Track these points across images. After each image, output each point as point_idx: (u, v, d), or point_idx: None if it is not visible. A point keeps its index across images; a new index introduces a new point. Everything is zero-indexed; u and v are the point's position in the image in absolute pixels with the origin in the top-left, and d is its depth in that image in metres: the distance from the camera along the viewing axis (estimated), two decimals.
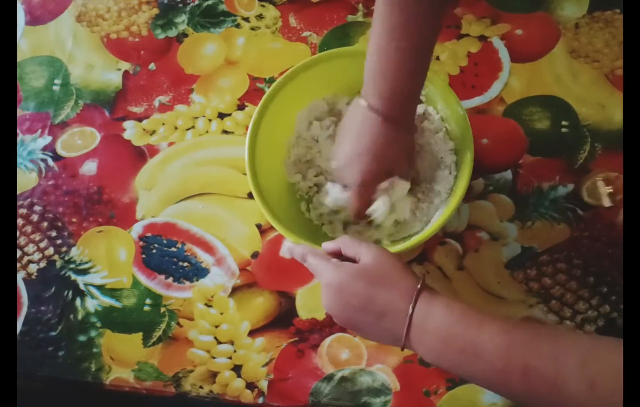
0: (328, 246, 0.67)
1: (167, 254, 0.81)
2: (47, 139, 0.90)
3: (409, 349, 0.60)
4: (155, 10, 0.99)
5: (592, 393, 0.50)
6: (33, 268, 0.82)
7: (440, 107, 0.80)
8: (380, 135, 0.70)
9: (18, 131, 0.90)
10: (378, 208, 0.73)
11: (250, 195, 0.80)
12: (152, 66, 0.95)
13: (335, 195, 0.75)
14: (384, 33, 0.66)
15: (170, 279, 0.80)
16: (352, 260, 0.64)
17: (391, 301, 0.59)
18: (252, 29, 0.96)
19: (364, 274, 0.61)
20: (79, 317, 0.79)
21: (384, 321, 0.60)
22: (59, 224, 0.84)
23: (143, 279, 0.80)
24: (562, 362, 0.52)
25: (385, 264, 0.62)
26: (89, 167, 0.88)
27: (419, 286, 0.59)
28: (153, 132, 0.90)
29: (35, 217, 0.85)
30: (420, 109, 0.81)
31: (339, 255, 0.65)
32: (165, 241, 0.82)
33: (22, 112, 0.92)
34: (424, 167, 0.78)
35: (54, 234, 0.84)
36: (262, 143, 0.78)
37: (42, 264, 0.82)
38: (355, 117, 0.72)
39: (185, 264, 0.81)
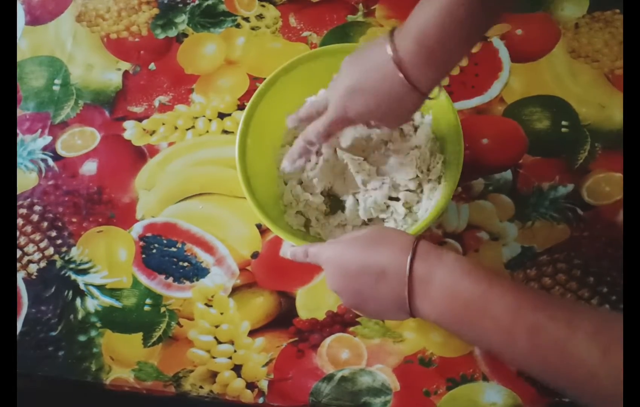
0: (332, 241, 0.67)
1: (167, 254, 0.81)
2: (47, 139, 0.90)
3: (416, 313, 0.57)
4: (155, 10, 0.99)
5: (605, 360, 0.48)
6: (33, 268, 0.82)
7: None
8: (392, 90, 0.63)
9: (18, 131, 0.90)
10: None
11: None
12: (152, 66, 0.95)
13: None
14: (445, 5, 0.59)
15: (170, 279, 0.80)
16: None
17: (389, 257, 0.58)
18: (252, 29, 0.96)
19: (359, 240, 0.61)
20: (79, 317, 0.79)
21: (385, 282, 0.57)
22: (59, 224, 0.84)
23: (143, 279, 0.80)
24: (575, 326, 0.50)
25: (381, 230, 0.61)
26: (89, 167, 0.88)
27: (415, 241, 0.57)
28: (153, 132, 0.90)
29: (35, 217, 0.85)
30: None
31: None
32: (165, 241, 0.82)
33: (22, 112, 0.92)
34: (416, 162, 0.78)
35: (54, 234, 0.84)
36: (251, 152, 0.77)
37: (42, 264, 0.82)
38: (373, 56, 0.64)
39: (185, 264, 0.81)
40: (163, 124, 0.90)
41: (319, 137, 0.70)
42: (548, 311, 0.52)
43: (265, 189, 0.77)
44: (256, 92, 0.79)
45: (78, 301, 0.79)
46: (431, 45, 0.61)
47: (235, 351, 0.76)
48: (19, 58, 0.96)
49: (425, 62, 0.62)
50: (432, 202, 0.75)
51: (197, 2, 0.99)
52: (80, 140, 0.90)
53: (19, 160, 0.88)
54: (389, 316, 0.64)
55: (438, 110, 0.77)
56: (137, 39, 0.97)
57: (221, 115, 0.90)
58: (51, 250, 0.83)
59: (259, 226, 0.82)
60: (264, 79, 0.91)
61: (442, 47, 0.61)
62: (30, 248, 0.83)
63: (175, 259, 0.81)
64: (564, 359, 0.50)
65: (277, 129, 0.81)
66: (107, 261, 0.82)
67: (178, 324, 0.77)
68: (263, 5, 0.98)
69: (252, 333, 0.76)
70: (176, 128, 0.90)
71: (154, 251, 0.82)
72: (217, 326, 0.77)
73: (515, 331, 0.52)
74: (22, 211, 0.85)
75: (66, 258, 0.82)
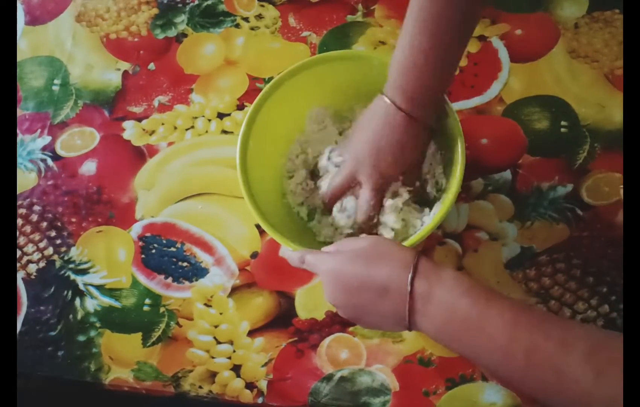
0: (328, 248, 0.66)
1: (166, 254, 0.81)
2: (47, 139, 0.90)
3: (414, 327, 0.58)
4: (155, 10, 0.99)
5: (598, 382, 0.49)
6: (32, 268, 0.82)
7: None
8: (403, 133, 0.70)
9: (18, 131, 0.90)
10: (387, 222, 0.73)
11: None
12: (151, 66, 0.95)
13: (348, 208, 0.75)
14: (416, 26, 0.66)
15: (170, 279, 0.80)
16: None
17: (391, 274, 0.58)
18: (252, 29, 0.96)
19: (360, 254, 0.61)
20: (79, 317, 0.79)
21: (387, 298, 0.58)
22: (59, 224, 0.84)
23: (142, 279, 0.80)
24: (570, 346, 0.50)
25: (381, 244, 0.61)
26: (89, 167, 0.88)
27: (416, 258, 0.58)
28: (152, 132, 0.90)
29: (34, 217, 0.85)
30: None
31: None
32: (164, 241, 0.82)
33: (21, 112, 0.92)
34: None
35: (53, 234, 0.84)
36: (252, 152, 0.76)
37: (42, 264, 0.82)
38: (376, 113, 0.71)
39: (185, 264, 0.81)
40: (162, 124, 0.90)
41: (372, 208, 0.73)
42: (544, 331, 0.52)
43: (265, 193, 0.77)
44: (260, 95, 0.78)
45: (77, 301, 0.79)
46: (412, 88, 0.68)
47: (234, 351, 0.76)
48: (18, 58, 0.96)
49: (419, 102, 0.69)
50: (434, 209, 0.74)
51: (196, 2, 0.99)
52: (80, 140, 0.90)
53: (18, 160, 0.88)
54: (387, 329, 0.65)
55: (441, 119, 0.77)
56: (136, 39, 0.97)
57: (220, 116, 0.90)
58: (50, 250, 0.83)
59: (258, 226, 0.82)
60: (264, 79, 0.91)
61: (422, 85, 0.68)
62: (30, 248, 0.83)
63: (174, 259, 0.81)
64: (558, 379, 0.51)
65: (280, 132, 0.81)
66: (106, 261, 0.82)
67: (177, 324, 0.77)
68: (262, 5, 0.98)
69: (252, 333, 0.76)
70: (175, 128, 0.90)
71: (154, 251, 0.82)
72: (216, 326, 0.77)
73: (511, 349, 0.53)
74: (21, 211, 0.85)
75: (65, 258, 0.82)
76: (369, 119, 0.72)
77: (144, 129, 0.90)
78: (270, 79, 0.89)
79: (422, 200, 0.76)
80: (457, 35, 0.68)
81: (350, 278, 0.60)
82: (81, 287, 0.80)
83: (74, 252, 0.82)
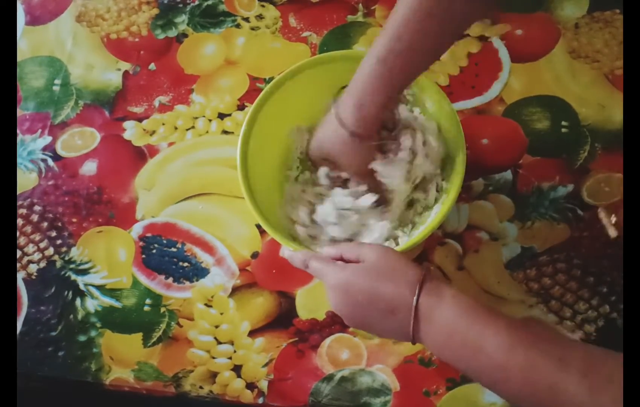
0: (330, 251, 0.66)
1: (167, 254, 0.81)
2: (47, 139, 0.90)
3: (417, 342, 0.59)
4: (155, 10, 0.99)
5: (593, 400, 0.49)
6: (33, 268, 0.82)
7: (428, 106, 0.79)
8: (343, 146, 0.71)
9: (18, 131, 0.90)
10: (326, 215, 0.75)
11: None
12: (152, 66, 0.95)
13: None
14: (375, 56, 0.66)
15: (170, 279, 0.80)
16: (355, 262, 0.64)
17: (398, 294, 0.59)
18: (252, 29, 0.96)
19: (368, 270, 0.61)
20: (79, 317, 0.79)
21: (394, 317, 0.59)
22: (59, 224, 0.84)
23: (143, 279, 0.80)
24: (567, 364, 0.51)
25: (389, 259, 0.62)
26: (89, 167, 0.88)
27: (422, 278, 0.59)
28: (153, 132, 0.90)
29: (35, 217, 0.85)
30: (404, 111, 0.81)
31: (340, 260, 0.65)
32: (165, 241, 0.82)
33: (22, 112, 0.92)
34: (418, 167, 0.78)
35: (53, 234, 0.84)
36: (253, 152, 0.76)
37: (42, 264, 0.82)
38: (328, 122, 0.73)
39: (185, 264, 0.81)
40: (163, 124, 0.90)
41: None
42: (541, 349, 0.53)
43: (266, 193, 0.77)
44: (260, 95, 0.78)
45: (78, 301, 0.79)
46: (360, 101, 0.69)
47: (235, 351, 0.76)
48: (19, 58, 0.96)
49: (364, 124, 0.70)
50: (435, 209, 0.74)
51: (197, 2, 0.99)
52: (80, 141, 0.90)
53: (18, 160, 0.88)
54: (393, 338, 0.67)
55: (441, 119, 0.77)
56: (137, 39, 0.97)
57: (221, 116, 0.90)
58: (51, 250, 0.83)
59: (258, 226, 0.82)
60: (264, 79, 0.91)
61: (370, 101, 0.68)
62: (30, 248, 0.83)
63: (175, 259, 0.81)
64: (554, 397, 0.51)
65: (281, 132, 0.81)
66: (107, 261, 0.82)
67: (178, 324, 0.77)
68: (263, 6, 0.98)
69: (252, 333, 0.76)
70: (176, 128, 0.90)
71: (154, 251, 0.82)
72: (217, 326, 0.77)
73: (508, 368, 0.54)
74: (22, 211, 0.85)
75: (66, 258, 0.82)
76: (324, 125, 0.74)
77: (144, 129, 0.90)
78: (271, 79, 0.90)
79: (422, 202, 0.77)
80: (442, 42, 0.68)
81: (358, 293, 0.61)
82: (82, 287, 0.80)
83: (74, 253, 0.82)
